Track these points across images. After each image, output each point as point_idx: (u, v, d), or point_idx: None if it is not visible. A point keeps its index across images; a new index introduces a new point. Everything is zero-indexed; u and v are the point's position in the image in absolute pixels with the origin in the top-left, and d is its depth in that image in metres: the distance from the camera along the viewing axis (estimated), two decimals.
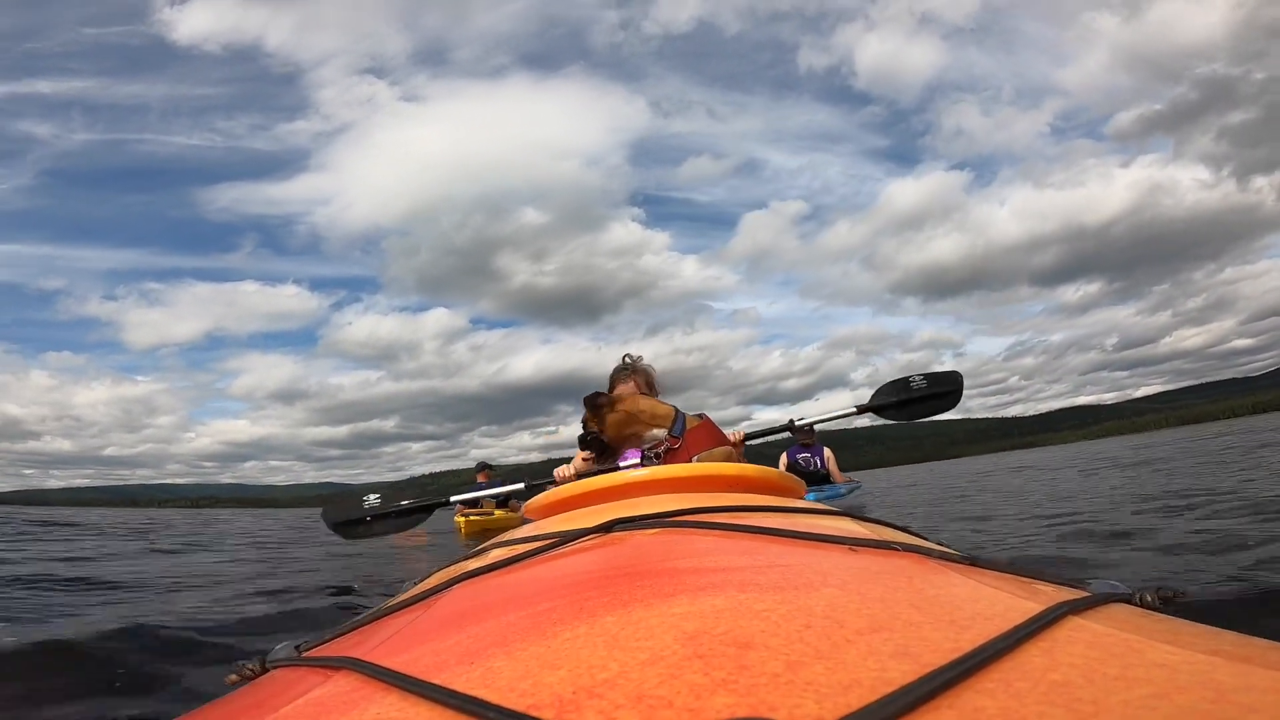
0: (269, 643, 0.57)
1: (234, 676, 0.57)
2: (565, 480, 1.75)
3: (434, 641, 0.44)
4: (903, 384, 2.28)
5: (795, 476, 1.28)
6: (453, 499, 2.45)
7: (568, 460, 2.13)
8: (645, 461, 1.46)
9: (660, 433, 1.48)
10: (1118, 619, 0.40)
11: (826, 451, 6.53)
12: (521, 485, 2.29)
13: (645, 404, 1.52)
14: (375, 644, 0.49)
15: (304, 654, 0.54)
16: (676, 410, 1.51)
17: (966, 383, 2.35)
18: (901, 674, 0.29)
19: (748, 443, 1.98)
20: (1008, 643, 0.32)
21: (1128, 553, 2.29)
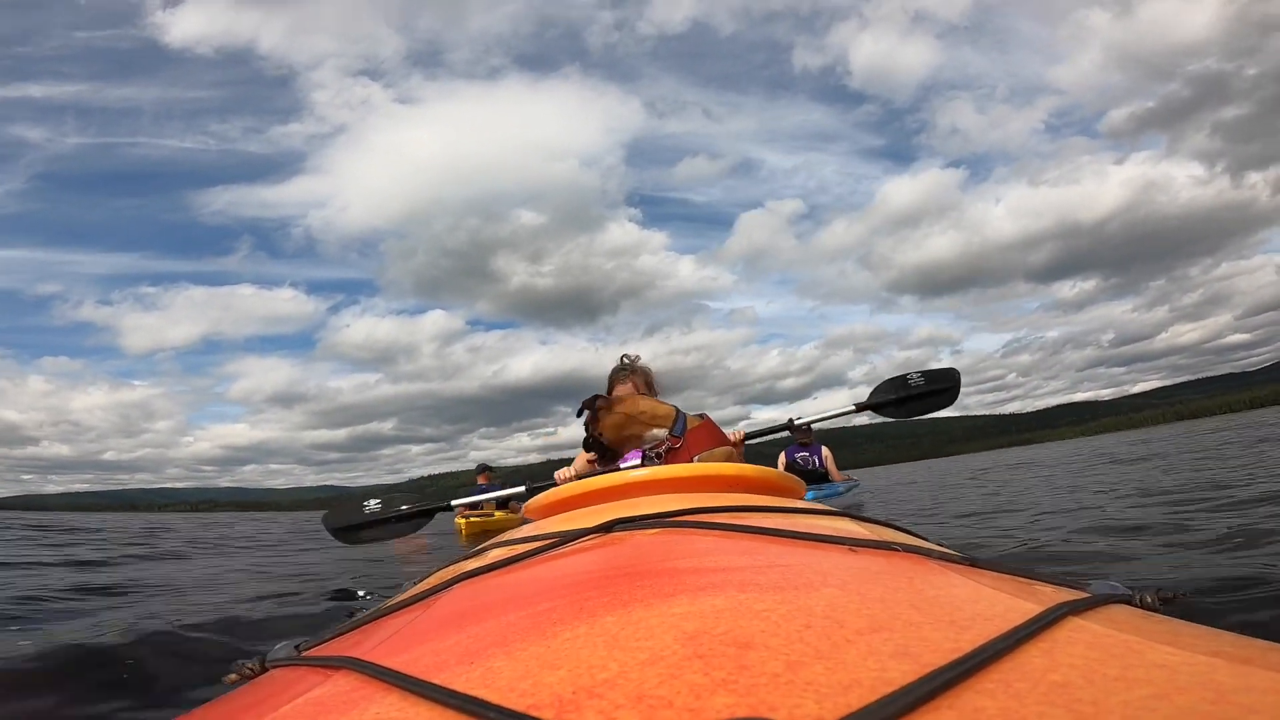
0: (269, 642, 0.57)
1: (234, 676, 0.57)
2: (566, 483, 1.75)
3: (434, 641, 0.44)
4: (901, 381, 2.28)
5: (795, 476, 1.28)
6: (453, 503, 2.45)
7: (568, 461, 2.13)
8: (646, 461, 1.46)
9: (661, 432, 1.48)
10: (1117, 620, 0.40)
11: (825, 450, 6.55)
12: (522, 488, 2.30)
13: (645, 404, 1.52)
14: (375, 644, 0.49)
15: (303, 653, 0.54)
16: (677, 410, 1.51)
17: (964, 380, 2.36)
18: (901, 674, 0.29)
19: (748, 442, 1.98)
20: (1008, 643, 0.32)
21: (1127, 552, 2.29)
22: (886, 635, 0.34)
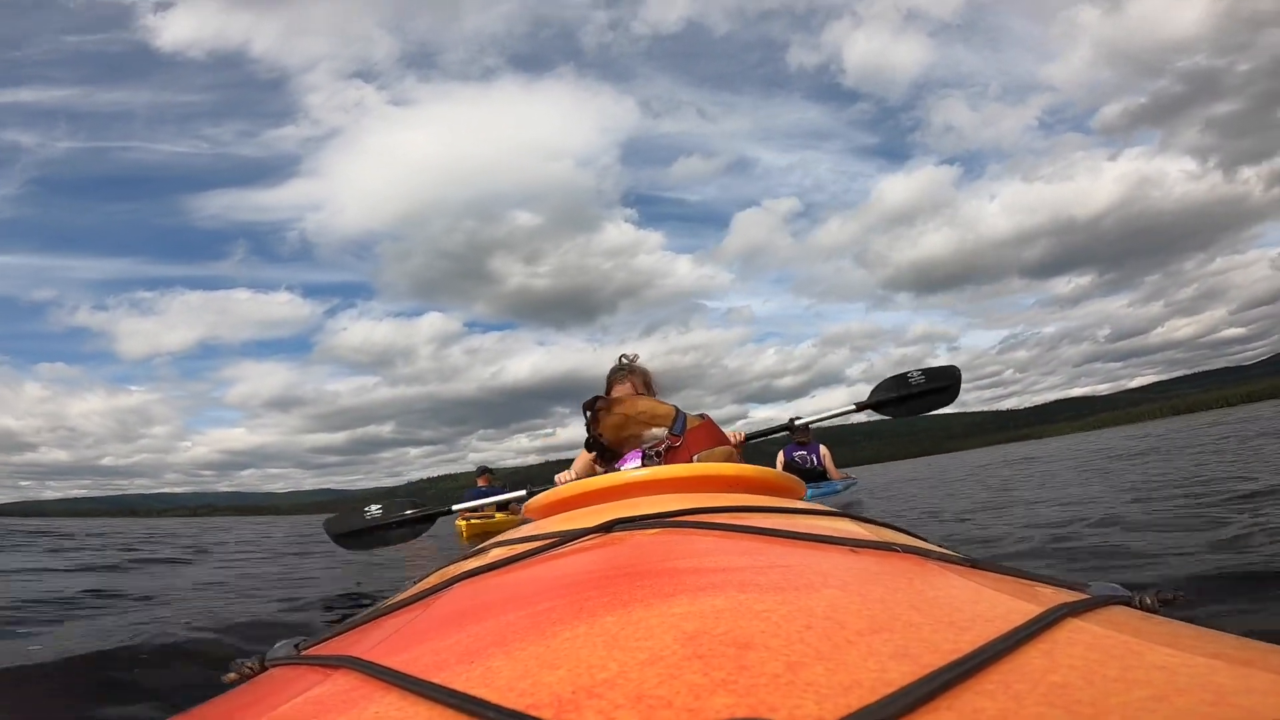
0: (268, 641, 0.57)
1: (233, 675, 0.56)
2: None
3: (433, 640, 0.44)
4: (901, 380, 2.28)
5: (795, 477, 1.28)
6: (455, 508, 2.46)
7: (567, 462, 2.13)
8: (646, 461, 1.46)
9: (660, 432, 1.48)
10: (1117, 621, 0.40)
11: (822, 449, 6.57)
12: (524, 493, 2.30)
13: (645, 404, 1.52)
14: (374, 643, 0.49)
15: (303, 652, 0.54)
16: (677, 410, 1.51)
17: (961, 376, 2.35)
18: (901, 675, 0.29)
19: (748, 443, 1.98)
20: (1007, 644, 0.32)
21: (1127, 552, 2.29)
22: (886, 636, 0.34)
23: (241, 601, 2.85)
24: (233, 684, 0.55)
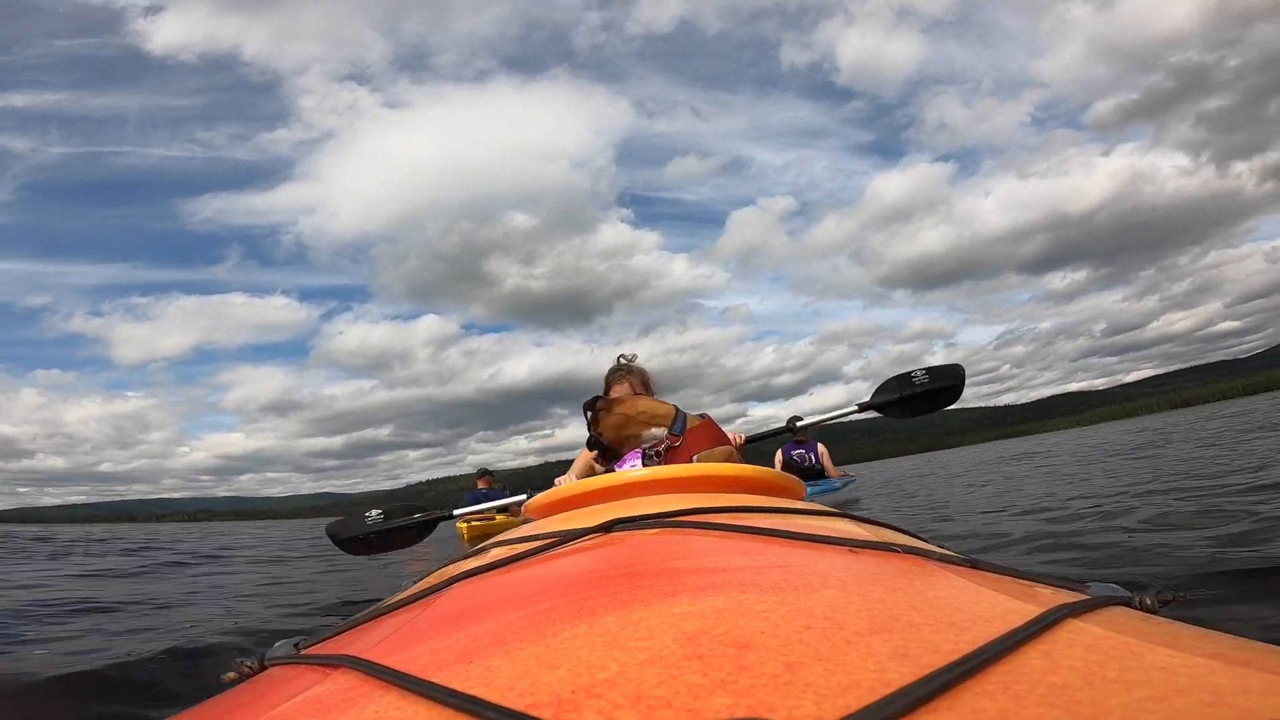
0: (268, 641, 0.57)
1: (232, 674, 0.57)
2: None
3: (433, 640, 0.44)
4: (905, 379, 2.24)
5: (795, 477, 1.27)
6: (456, 513, 2.46)
7: (567, 463, 2.13)
8: (646, 461, 1.46)
9: (660, 432, 1.48)
10: (1117, 622, 0.40)
11: (821, 447, 6.59)
12: (524, 496, 2.30)
13: (645, 404, 1.52)
14: (374, 642, 0.49)
15: (302, 651, 0.54)
16: (677, 409, 1.51)
17: (965, 375, 2.32)
18: (901, 675, 0.29)
19: (748, 444, 1.98)
20: (1007, 645, 0.32)
21: (1126, 551, 2.29)
22: (886, 636, 0.34)
23: (241, 603, 2.86)
24: (232, 683, 0.55)
